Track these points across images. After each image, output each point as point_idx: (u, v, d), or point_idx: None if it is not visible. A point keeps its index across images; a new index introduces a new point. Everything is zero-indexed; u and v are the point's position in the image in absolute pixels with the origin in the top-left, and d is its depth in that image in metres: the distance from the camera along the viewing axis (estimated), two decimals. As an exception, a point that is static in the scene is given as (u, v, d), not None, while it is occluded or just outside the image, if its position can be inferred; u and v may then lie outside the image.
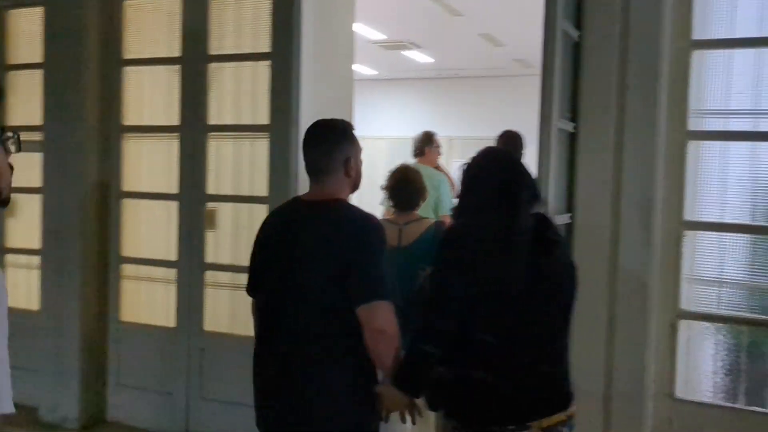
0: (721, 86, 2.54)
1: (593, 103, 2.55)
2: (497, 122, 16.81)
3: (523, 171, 1.97)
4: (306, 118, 2.66)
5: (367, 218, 1.97)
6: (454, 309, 1.81)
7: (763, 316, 2.53)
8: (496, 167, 1.99)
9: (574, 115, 2.56)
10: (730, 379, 2.57)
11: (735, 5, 2.52)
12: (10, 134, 1.51)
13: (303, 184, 2.80)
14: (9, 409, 1.36)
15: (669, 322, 2.58)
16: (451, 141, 15.90)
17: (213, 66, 3.30)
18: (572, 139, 2.57)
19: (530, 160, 2.28)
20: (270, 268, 2.03)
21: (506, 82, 15.97)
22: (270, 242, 2.06)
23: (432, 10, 9.10)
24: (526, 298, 1.85)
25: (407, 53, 11.45)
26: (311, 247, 1.94)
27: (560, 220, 2.46)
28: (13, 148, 1.53)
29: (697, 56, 2.55)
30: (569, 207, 2.58)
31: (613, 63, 2.52)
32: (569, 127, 2.52)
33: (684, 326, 2.59)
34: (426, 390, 1.91)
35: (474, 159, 2.02)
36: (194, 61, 3.30)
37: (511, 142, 4.44)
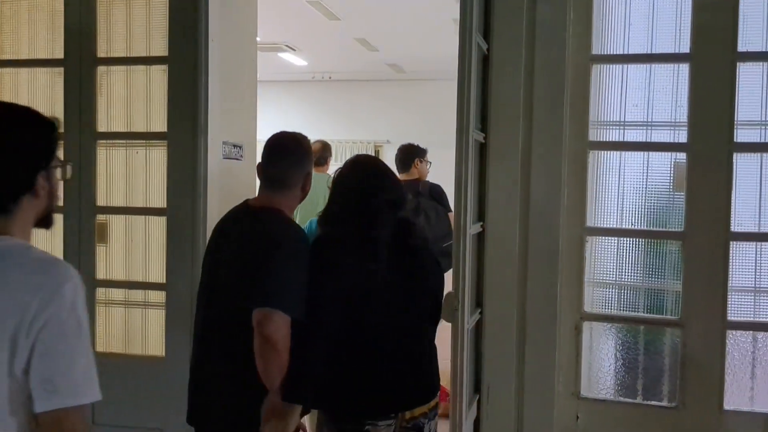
0: (618, 99, 2.69)
1: (502, 114, 2.62)
2: (371, 126, 17.07)
3: (383, 180, 2.11)
4: (214, 127, 2.55)
5: (296, 230, 2.03)
6: (323, 311, 1.94)
7: (657, 315, 2.70)
8: (358, 176, 2.12)
9: (484, 126, 2.61)
10: (630, 376, 2.72)
11: (629, 23, 2.68)
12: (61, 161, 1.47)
13: (213, 194, 2.70)
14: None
15: (573, 324, 2.69)
16: (323, 141, 15.91)
17: (101, 69, 3.10)
18: (483, 149, 2.63)
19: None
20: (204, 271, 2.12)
21: (380, 86, 16.20)
22: (209, 246, 2.13)
23: (310, 13, 9.06)
24: (389, 298, 2.03)
25: (283, 56, 11.33)
26: (235, 249, 1.98)
27: (473, 229, 2.50)
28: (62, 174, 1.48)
29: (596, 70, 2.68)
30: (480, 216, 2.63)
31: (520, 75, 2.60)
32: (480, 137, 2.57)
33: (587, 328, 2.72)
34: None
35: (341, 167, 2.17)
36: (79, 64, 3.08)
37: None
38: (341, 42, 11.14)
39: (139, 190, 3.13)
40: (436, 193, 4.68)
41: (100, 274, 3.13)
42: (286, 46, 11.06)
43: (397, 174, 3.59)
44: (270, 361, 1.88)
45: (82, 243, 3.11)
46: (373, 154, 16.36)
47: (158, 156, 3.07)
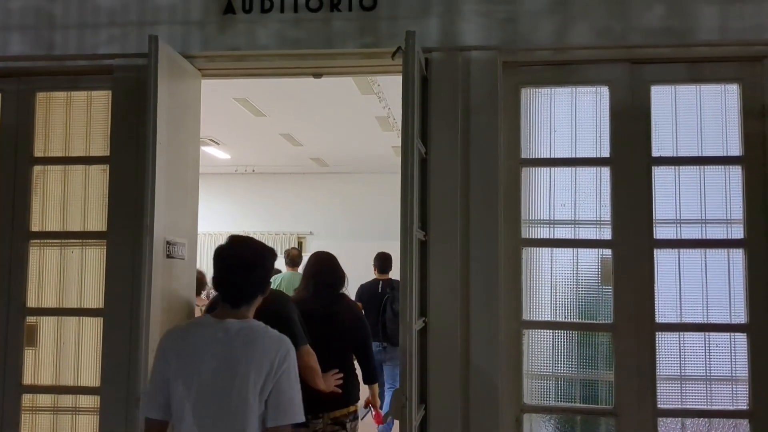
0: (547, 199, 2.87)
1: (441, 213, 2.74)
2: (294, 217, 17.02)
3: (329, 270, 3.52)
4: (159, 226, 2.56)
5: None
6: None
7: (593, 405, 2.80)
8: (312, 265, 3.58)
9: (423, 224, 2.73)
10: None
11: (554, 129, 2.90)
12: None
13: (155, 294, 2.67)
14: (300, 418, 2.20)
15: (514, 416, 2.75)
16: (249, 234, 15.81)
17: (37, 168, 3.08)
18: (423, 246, 2.73)
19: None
20: None
21: (303, 179, 16.39)
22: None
23: (236, 109, 9.22)
24: (323, 326, 3.18)
25: (206, 149, 11.39)
26: None
27: (417, 325, 2.57)
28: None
29: (526, 173, 2.87)
30: (423, 311, 2.70)
31: (457, 177, 2.75)
32: (421, 235, 2.68)
33: (527, 420, 2.79)
34: None
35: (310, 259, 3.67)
36: (14, 162, 3.06)
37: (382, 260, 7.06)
38: (266, 137, 11.32)
39: (73, 291, 3.06)
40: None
41: (27, 378, 3.00)
42: (210, 140, 11.14)
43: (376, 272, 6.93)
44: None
45: (9, 346, 2.99)
46: (296, 246, 16.37)
47: (94, 255, 3.03)
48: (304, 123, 10.32)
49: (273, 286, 5.59)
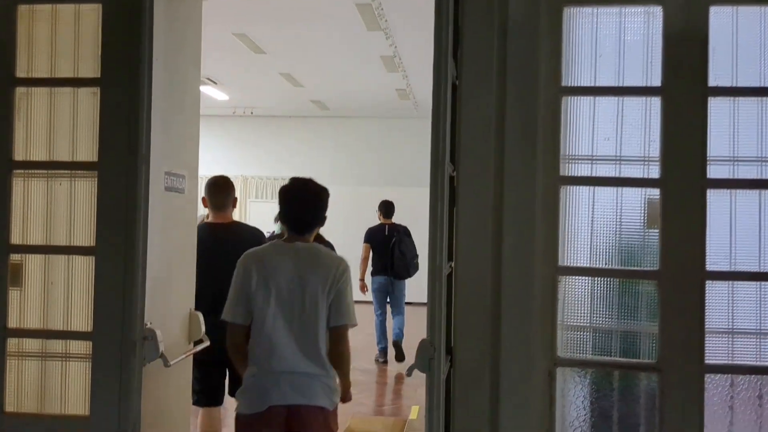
0: (589, 133, 2.58)
1: (472, 147, 2.46)
2: (293, 162, 16.79)
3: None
4: (156, 156, 2.27)
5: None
6: None
7: (633, 360, 2.57)
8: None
9: (451, 159, 2.44)
10: (605, 424, 2.56)
11: (598, 54, 2.59)
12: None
13: (153, 231, 2.40)
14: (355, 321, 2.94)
15: (547, 370, 2.52)
16: (246, 180, 15.55)
17: (20, 90, 2.77)
18: (451, 183, 2.45)
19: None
20: None
21: (302, 122, 16.00)
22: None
23: (235, 46, 8.82)
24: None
25: (203, 89, 10.99)
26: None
27: (445, 270, 2.31)
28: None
29: (566, 103, 2.57)
30: (449, 255, 2.44)
31: (491, 106, 2.45)
32: (450, 170, 2.40)
33: (560, 374, 2.55)
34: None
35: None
36: (-6, 84, 2.75)
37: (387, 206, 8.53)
38: (266, 76, 10.92)
39: (62, 227, 2.79)
40: (406, 230, 8.44)
41: (12, 321, 2.75)
42: (208, 79, 10.74)
43: (381, 217, 8.44)
44: None
45: (-7, 286, 2.73)
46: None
47: (85, 188, 2.75)
48: (305, 62, 9.92)
49: (273, 229, 6.12)
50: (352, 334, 3.02)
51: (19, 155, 2.77)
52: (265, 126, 15.71)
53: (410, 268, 8.25)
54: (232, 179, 4.28)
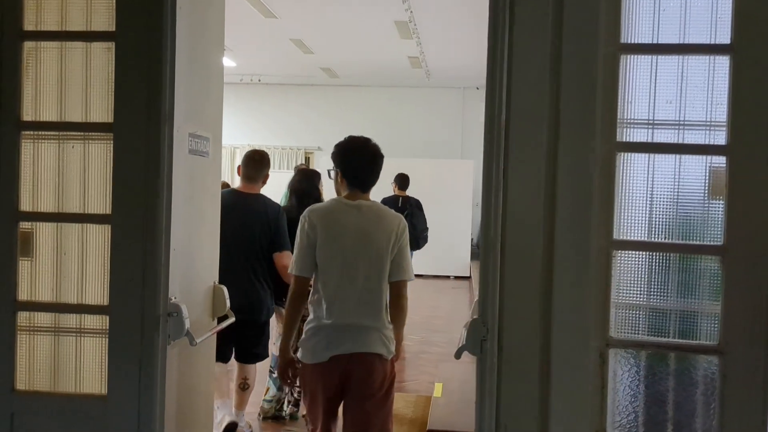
0: (648, 95, 2.36)
1: (524, 109, 2.25)
2: (302, 132, 16.57)
3: (310, 184, 4.95)
4: (179, 116, 2.07)
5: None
6: None
7: (692, 341, 2.38)
8: (297, 181, 4.93)
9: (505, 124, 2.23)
10: (660, 410, 2.39)
11: (660, 8, 2.36)
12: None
13: (177, 198, 2.21)
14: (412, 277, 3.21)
15: (599, 351, 2.33)
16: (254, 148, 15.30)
17: (28, 45, 2.56)
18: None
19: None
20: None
21: (312, 91, 15.70)
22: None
23: (245, 9, 8.54)
24: None
25: (212, 55, 10.71)
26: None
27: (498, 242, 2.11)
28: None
29: (624, 62, 2.35)
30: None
31: (545, 64, 2.23)
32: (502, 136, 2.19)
33: (613, 356, 2.37)
34: None
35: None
36: (0, 38, 2.53)
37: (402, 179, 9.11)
38: (275, 42, 10.64)
39: (75, 193, 2.59)
40: (418, 203, 8.83)
41: (23, 294, 2.57)
42: (216, 45, 10.47)
43: (395, 189, 8.89)
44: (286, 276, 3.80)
45: (1, 255, 2.55)
46: (304, 162, 15.88)
47: (100, 151, 2.54)
48: (316, 27, 9.64)
49: (280, 199, 6.48)
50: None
51: (27, 115, 2.57)
52: (273, 94, 15.44)
53: (419, 240, 8.37)
54: (235, 149, 4.54)
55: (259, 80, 14.24)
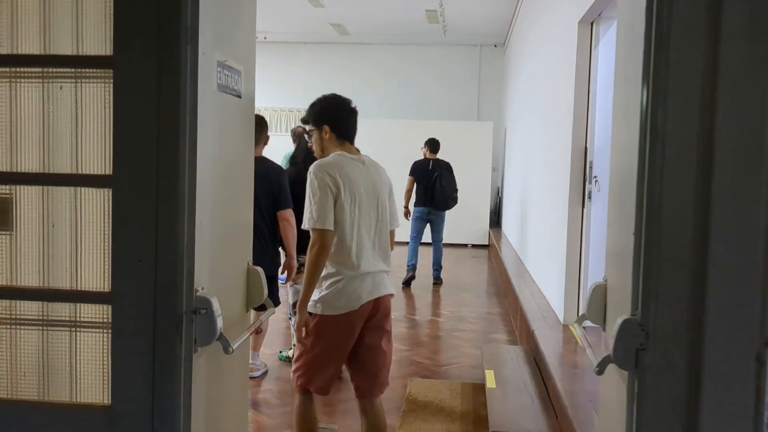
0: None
1: (680, 46, 1.65)
2: (309, 92, 15.81)
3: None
4: (206, 40, 1.47)
5: None
6: None
7: None
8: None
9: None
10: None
11: None
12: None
13: (204, 150, 1.64)
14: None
15: (754, 351, 1.76)
16: (258, 112, 14.67)
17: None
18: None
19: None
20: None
21: (320, 49, 15.00)
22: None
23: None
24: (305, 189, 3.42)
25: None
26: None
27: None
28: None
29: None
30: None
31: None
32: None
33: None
34: None
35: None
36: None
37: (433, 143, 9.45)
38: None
39: (64, 148, 2.01)
40: (448, 166, 9.37)
41: (1, 278, 2.01)
42: None
43: (426, 153, 9.48)
44: (289, 235, 4.79)
45: (-28, 229, 1.98)
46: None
47: (94, 94, 1.96)
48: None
49: (280, 160, 6.90)
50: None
51: (2, 47, 1.98)
52: (280, 53, 14.75)
53: (449, 201, 9.24)
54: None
55: (265, 38, 13.52)
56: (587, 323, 1.88)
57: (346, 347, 3.26)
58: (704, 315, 1.67)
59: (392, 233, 3.46)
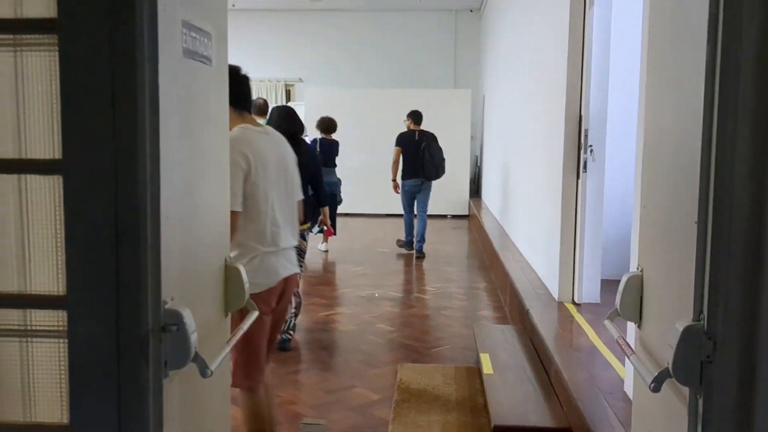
0: None
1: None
2: (281, 62, 15.48)
3: (289, 121, 5.00)
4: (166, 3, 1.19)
5: None
6: None
7: None
8: (276, 118, 5.02)
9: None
10: None
11: None
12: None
13: (166, 124, 1.36)
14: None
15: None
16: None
17: None
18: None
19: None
20: None
21: (291, 17, 14.58)
22: None
23: None
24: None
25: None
26: None
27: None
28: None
29: None
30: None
31: None
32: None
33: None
34: None
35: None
36: None
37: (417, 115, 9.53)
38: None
39: (5, 130, 1.72)
40: (433, 136, 9.48)
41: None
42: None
43: (410, 125, 9.66)
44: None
45: None
46: (284, 93, 14.88)
47: (39, 64, 1.66)
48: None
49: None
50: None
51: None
52: (248, 22, 14.31)
53: (439, 170, 9.33)
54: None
55: (233, 6, 13.06)
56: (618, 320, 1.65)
57: (267, 326, 3.15)
58: (758, 311, 1.44)
59: (300, 205, 3.40)
